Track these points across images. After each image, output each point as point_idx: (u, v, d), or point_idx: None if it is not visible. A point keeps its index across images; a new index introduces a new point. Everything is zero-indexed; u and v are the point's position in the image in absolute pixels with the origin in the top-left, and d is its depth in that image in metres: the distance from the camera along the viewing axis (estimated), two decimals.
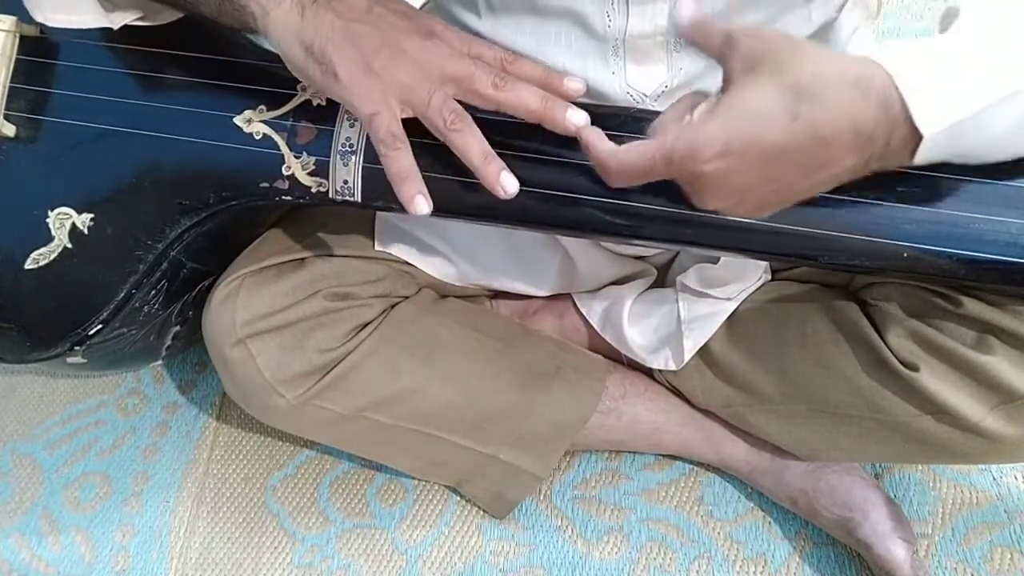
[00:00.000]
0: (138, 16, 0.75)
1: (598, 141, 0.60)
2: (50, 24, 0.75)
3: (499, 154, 0.63)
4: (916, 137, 0.51)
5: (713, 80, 0.69)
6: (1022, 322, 0.69)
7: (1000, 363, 0.71)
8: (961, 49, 0.53)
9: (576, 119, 0.62)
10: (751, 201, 0.55)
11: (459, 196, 0.69)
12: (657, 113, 0.63)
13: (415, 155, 0.63)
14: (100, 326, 0.79)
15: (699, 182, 0.54)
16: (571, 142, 0.63)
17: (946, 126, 0.50)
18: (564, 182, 0.68)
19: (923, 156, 0.52)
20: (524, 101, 0.63)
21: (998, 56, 0.52)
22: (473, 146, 0.62)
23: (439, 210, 0.65)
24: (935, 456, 0.83)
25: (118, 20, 0.75)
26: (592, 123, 0.62)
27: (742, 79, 0.52)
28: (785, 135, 0.50)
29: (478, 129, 0.63)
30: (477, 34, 0.73)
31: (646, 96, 0.72)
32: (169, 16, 0.75)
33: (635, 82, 0.72)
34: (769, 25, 0.69)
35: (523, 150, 0.67)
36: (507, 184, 0.62)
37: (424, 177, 0.63)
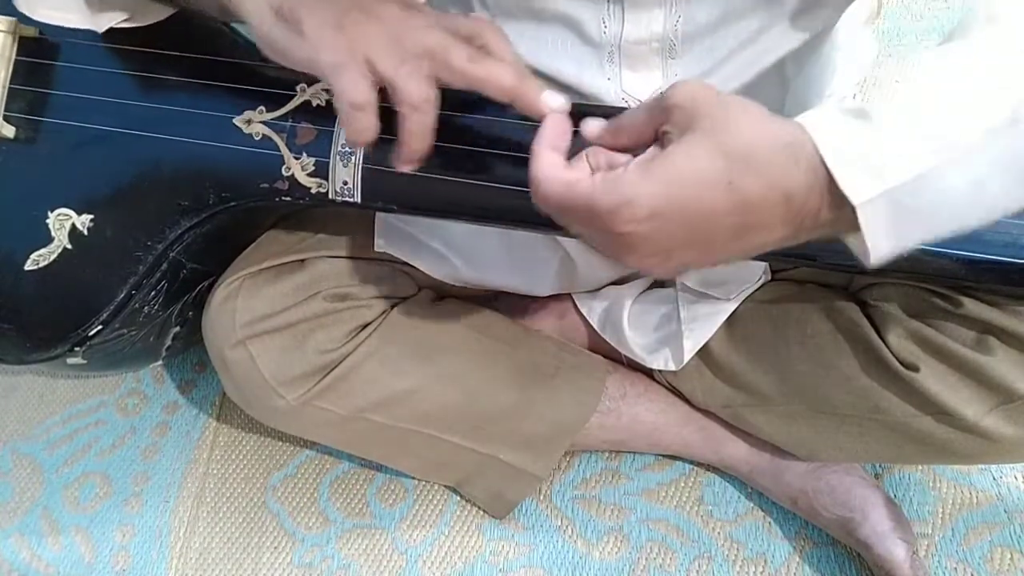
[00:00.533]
0: (124, 18, 0.75)
1: (544, 150, 0.55)
2: (35, 18, 0.75)
3: (485, 152, 0.63)
4: (850, 207, 0.46)
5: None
6: (1021, 322, 0.69)
7: (1000, 363, 0.71)
8: (903, 105, 0.48)
9: (552, 102, 0.59)
10: (672, 263, 0.52)
11: (455, 195, 0.69)
12: None
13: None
14: (100, 327, 0.79)
15: (620, 240, 0.50)
16: None
17: (877, 194, 0.46)
18: None
19: (872, 230, 0.47)
20: (498, 77, 0.59)
21: (945, 112, 0.47)
22: (419, 134, 0.59)
23: (436, 210, 0.65)
24: (935, 456, 0.82)
25: (104, 22, 0.74)
26: None
27: (678, 141, 0.49)
28: (719, 202, 0.47)
29: (433, 116, 0.58)
30: None
31: (641, 103, 0.72)
32: (154, 16, 0.75)
33: (631, 88, 0.72)
34: (763, 33, 0.69)
35: (516, 149, 0.67)
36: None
37: (418, 176, 0.63)
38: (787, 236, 0.50)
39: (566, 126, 0.57)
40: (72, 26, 0.74)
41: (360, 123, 0.57)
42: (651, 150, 0.51)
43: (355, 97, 0.56)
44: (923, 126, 0.47)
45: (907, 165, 0.46)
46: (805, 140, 0.47)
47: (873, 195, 0.46)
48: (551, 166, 0.54)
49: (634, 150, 0.54)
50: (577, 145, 0.56)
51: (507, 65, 0.60)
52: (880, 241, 0.48)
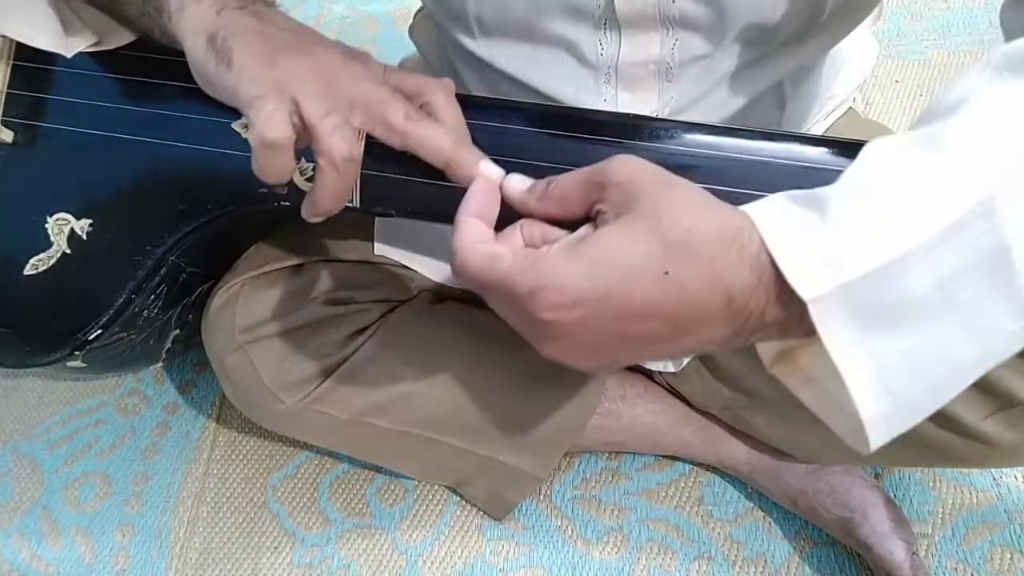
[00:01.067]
0: (93, 42, 0.74)
1: (467, 218, 0.51)
2: (4, 33, 0.75)
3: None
4: (802, 306, 0.40)
5: (703, 108, 0.69)
6: None
7: (998, 369, 0.71)
8: (858, 194, 0.42)
9: (489, 172, 0.56)
10: (599, 360, 0.47)
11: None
12: (659, 120, 0.63)
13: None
14: (100, 331, 0.79)
15: (541, 328, 0.45)
16: (552, 147, 0.62)
17: (831, 288, 0.40)
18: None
19: (829, 333, 0.41)
20: (433, 140, 0.57)
21: (906, 201, 0.41)
22: (333, 194, 0.55)
23: (435, 215, 0.64)
24: (933, 459, 0.83)
25: (73, 47, 0.73)
26: (591, 131, 0.62)
27: (612, 223, 0.45)
28: (651, 294, 0.42)
29: (352, 178, 0.55)
30: (472, 55, 0.73)
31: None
32: (121, 39, 0.75)
33: (626, 109, 0.71)
34: (761, 58, 0.68)
35: (517, 154, 0.67)
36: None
37: (417, 181, 0.62)
38: (727, 338, 0.44)
39: (496, 194, 0.54)
40: (40, 47, 0.73)
41: (271, 163, 0.53)
42: (583, 229, 0.48)
43: (268, 132, 0.52)
44: (880, 215, 0.40)
45: (863, 257, 0.40)
46: (751, 231, 0.42)
47: (826, 290, 0.40)
48: (472, 236, 0.49)
49: (566, 223, 0.50)
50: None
51: (446, 129, 0.58)
52: (844, 349, 0.41)
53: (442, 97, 0.60)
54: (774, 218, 0.42)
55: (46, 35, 0.73)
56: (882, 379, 0.41)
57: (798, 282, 0.40)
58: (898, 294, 0.40)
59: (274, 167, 0.53)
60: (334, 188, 0.55)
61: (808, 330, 0.41)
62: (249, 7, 0.58)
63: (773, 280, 0.41)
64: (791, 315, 0.42)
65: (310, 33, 0.60)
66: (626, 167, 0.46)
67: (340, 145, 0.53)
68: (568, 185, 0.49)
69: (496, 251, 0.47)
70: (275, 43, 0.56)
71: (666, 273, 0.42)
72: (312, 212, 0.57)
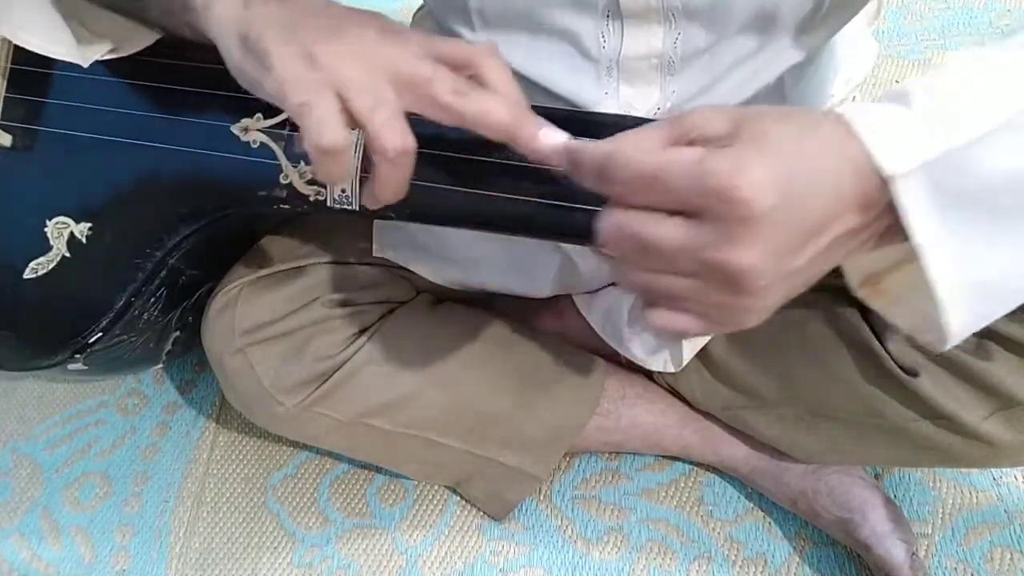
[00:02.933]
0: (110, 48, 0.73)
1: (587, 147, 0.48)
2: (15, 42, 0.73)
3: (485, 160, 0.61)
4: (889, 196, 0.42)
5: (707, 102, 0.69)
6: (1021, 328, 0.69)
7: (999, 369, 0.71)
8: (944, 81, 0.43)
9: (552, 139, 0.53)
10: (789, 268, 0.43)
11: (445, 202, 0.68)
12: (659, 121, 0.63)
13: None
14: (100, 334, 0.79)
15: (736, 223, 0.41)
16: None
17: (913, 166, 0.41)
18: (552, 190, 0.66)
19: (913, 212, 0.42)
20: (490, 113, 0.53)
21: (992, 86, 0.43)
22: (392, 185, 0.53)
23: (435, 218, 0.64)
24: (934, 460, 0.83)
25: (90, 55, 0.72)
26: (591, 133, 0.61)
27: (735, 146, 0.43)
28: (828, 182, 0.42)
29: (409, 169, 0.53)
30: None
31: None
32: (140, 43, 0.74)
33: (628, 103, 0.71)
34: (762, 50, 0.68)
35: (518, 157, 0.67)
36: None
37: (417, 185, 0.61)
38: (856, 229, 0.44)
39: (582, 143, 0.50)
40: (56, 56, 0.72)
41: (330, 169, 0.51)
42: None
43: (323, 140, 0.50)
44: (960, 103, 0.42)
45: (945, 137, 0.42)
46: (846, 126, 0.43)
47: (909, 167, 0.41)
48: (646, 137, 0.45)
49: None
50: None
51: (501, 99, 0.54)
52: (926, 227, 0.42)
53: (492, 63, 0.56)
54: (861, 109, 0.43)
55: (62, 45, 0.72)
56: (964, 260, 0.43)
57: (883, 159, 0.42)
58: (981, 176, 0.42)
59: (333, 172, 0.52)
60: (391, 181, 0.53)
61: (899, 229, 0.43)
62: None
63: (863, 165, 0.42)
64: (887, 210, 0.43)
65: (341, 10, 0.57)
66: (704, 113, 0.45)
67: (392, 140, 0.51)
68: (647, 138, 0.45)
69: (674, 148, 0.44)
70: (309, 33, 0.53)
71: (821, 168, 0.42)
72: (373, 200, 0.55)
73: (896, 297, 0.51)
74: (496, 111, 0.53)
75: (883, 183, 0.42)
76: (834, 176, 0.42)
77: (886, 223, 0.45)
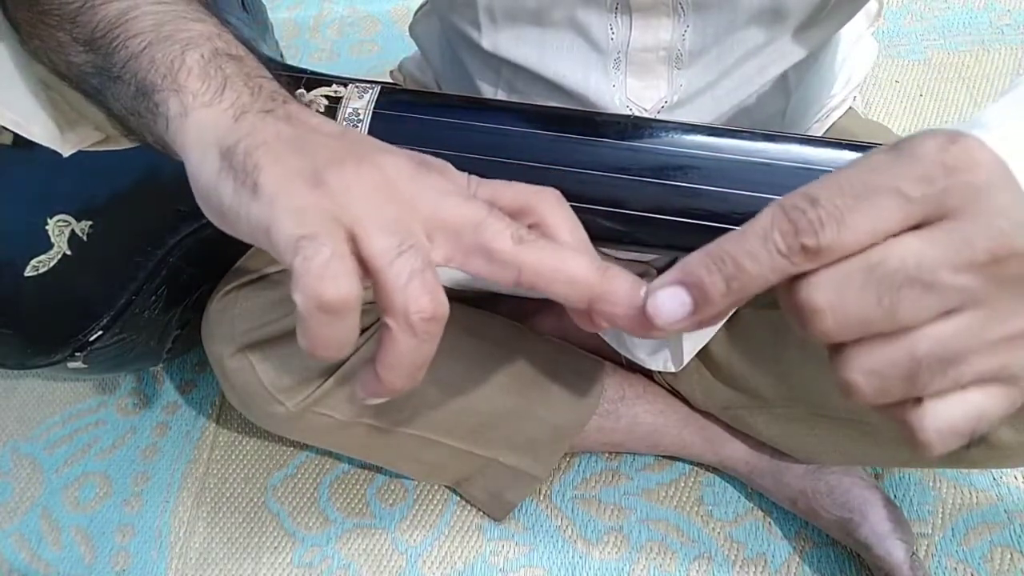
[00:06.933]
0: (97, 140, 0.68)
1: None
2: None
3: (482, 160, 0.60)
4: None
5: (711, 98, 0.69)
6: None
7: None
8: None
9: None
10: None
11: None
12: (659, 122, 0.63)
13: None
14: (101, 332, 0.79)
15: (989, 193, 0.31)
16: (551, 148, 0.60)
17: None
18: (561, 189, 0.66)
19: None
20: (569, 270, 0.38)
21: None
22: (405, 368, 0.38)
23: None
24: (934, 460, 0.83)
25: (68, 147, 0.67)
26: (590, 132, 0.61)
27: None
28: None
29: (433, 346, 0.38)
30: (477, 45, 0.72)
31: (646, 111, 0.71)
32: (128, 144, 0.64)
33: (635, 96, 0.71)
34: (769, 45, 0.68)
35: (514, 157, 0.67)
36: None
37: None
38: None
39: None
40: (32, 138, 0.65)
41: (327, 334, 0.36)
42: None
43: (326, 291, 0.35)
44: None
45: None
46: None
47: None
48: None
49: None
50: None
51: (577, 252, 0.40)
52: None
53: (559, 210, 0.43)
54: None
55: (39, 127, 0.65)
56: None
57: None
58: None
59: (332, 338, 0.36)
60: (408, 359, 0.37)
61: None
62: (280, 108, 0.43)
63: None
64: None
65: (363, 138, 0.45)
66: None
67: (421, 300, 0.36)
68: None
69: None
70: (318, 153, 0.40)
71: None
72: (374, 392, 0.39)
73: None
74: (575, 268, 0.39)
75: None
76: None
77: None
